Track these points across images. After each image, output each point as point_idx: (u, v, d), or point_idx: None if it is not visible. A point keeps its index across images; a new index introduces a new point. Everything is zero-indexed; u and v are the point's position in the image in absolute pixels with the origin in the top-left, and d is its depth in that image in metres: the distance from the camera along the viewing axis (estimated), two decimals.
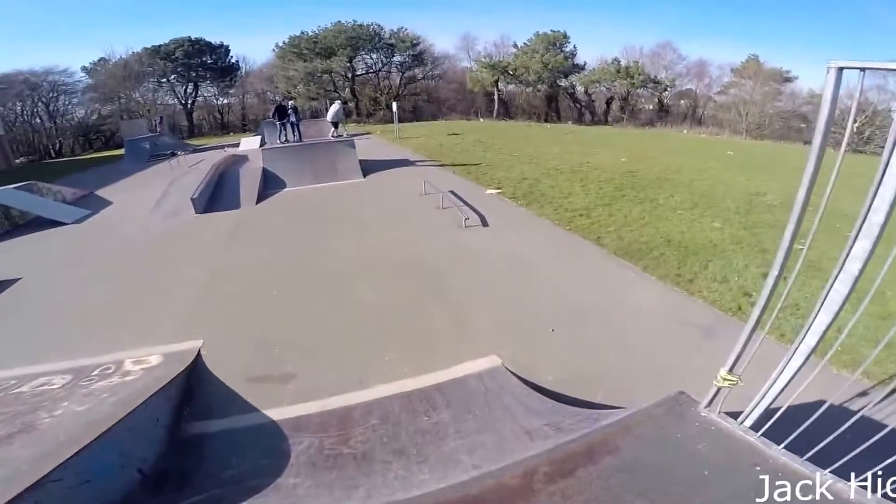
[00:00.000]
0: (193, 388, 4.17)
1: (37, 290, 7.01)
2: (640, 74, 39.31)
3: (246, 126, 38.00)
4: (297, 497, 2.88)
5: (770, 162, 16.52)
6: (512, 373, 4.11)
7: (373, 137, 22.52)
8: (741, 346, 2.13)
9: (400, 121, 24.01)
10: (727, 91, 38.97)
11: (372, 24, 40.00)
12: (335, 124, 15.07)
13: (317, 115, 27.34)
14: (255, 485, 3.04)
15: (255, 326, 5.31)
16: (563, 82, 42.00)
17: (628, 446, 2.10)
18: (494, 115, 40.17)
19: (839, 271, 1.70)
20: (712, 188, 10.98)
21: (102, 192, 13.70)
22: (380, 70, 41.98)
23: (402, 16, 58.58)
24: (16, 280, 7.34)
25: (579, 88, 42.76)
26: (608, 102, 41.78)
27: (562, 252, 7.13)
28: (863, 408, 1.72)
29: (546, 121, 38.74)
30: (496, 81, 41.09)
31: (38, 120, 33.45)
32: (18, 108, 32.08)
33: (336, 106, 15.67)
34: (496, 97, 41.63)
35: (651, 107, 41.30)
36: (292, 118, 14.78)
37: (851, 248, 1.64)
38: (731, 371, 2.13)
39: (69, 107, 35.05)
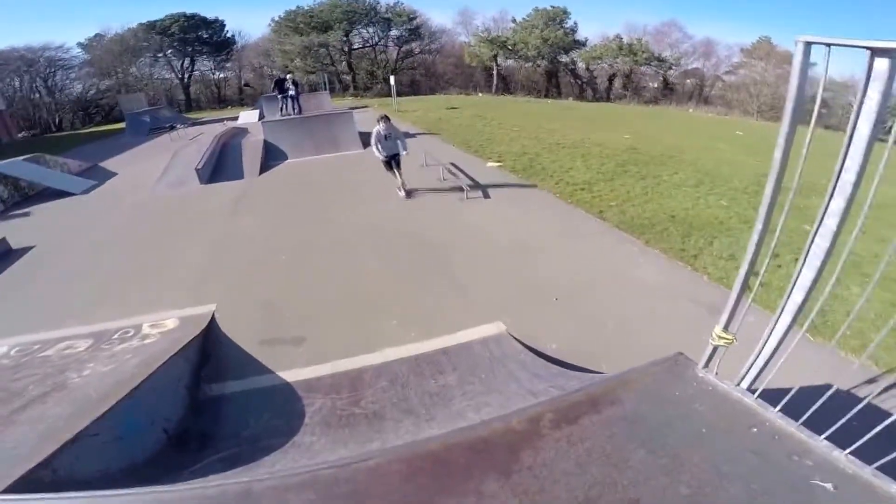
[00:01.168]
0: (209, 350, 4.28)
1: (50, 257, 7.12)
2: (643, 52, 38.71)
3: (243, 100, 37.71)
4: (314, 452, 3.00)
5: None
6: (516, 339, 4.19)
7: (370, 111, 22.24)
8: (733, 301, 2.11)
9: (397, 95, 23.71)
10: (736, 71, 38.37)
11: None
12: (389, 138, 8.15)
13: (315, 88, 27.02)
14: (272, 443, 3.15)
15: (265, 291, 5.41)
16: (564, 58, 41.47)
17: (629, 399, 2.14)
18: (493, 90, 39.72)
19: (818, 226, 1.79)
20: (719, 167, 10.89)
21: (106, 164, 13.76)
22: (376, 44, 41.73)
23: None
24: (30, 248, 7.47)
25: (580, 65, 42.23)
26: (610, 79, 41.26)
27: (563, 224, 7.15)
28: (848, 381, 1.77)
29: (546, 96, 38.29)
30: (495, 56, 40.59)
31: (37, 95, 33.21)
32: (17, 83, 31.76)
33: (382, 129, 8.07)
34: (495, 72, 41.10)
35: (655, 85, 40.80)
36: (291, 92, 14.67)
37: (828, 205, 1.74)
38: (725, 329, 2.14)
39: (67, 82, 34.99)
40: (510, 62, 42.42)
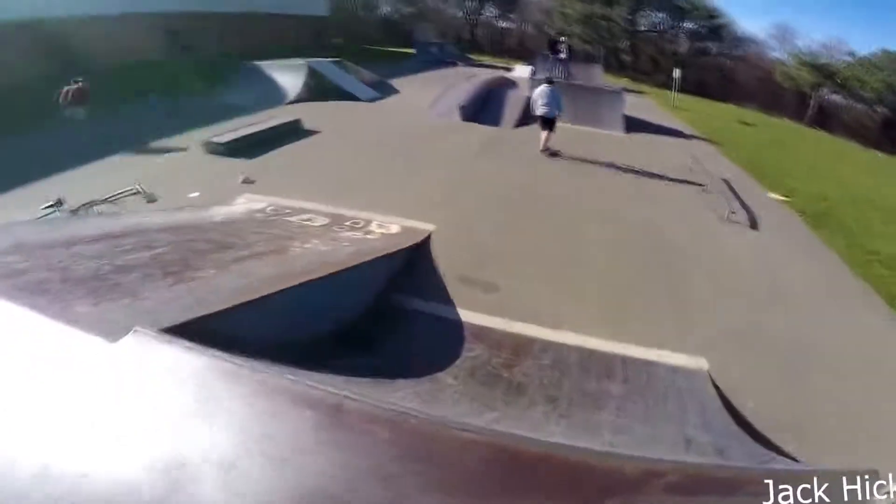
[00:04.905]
0: (414, 264, 4.91)
1: (329, 143, 9.26)
2: None
3: (522, 54, 39.64)
4: (444, 395, 3.23)
5: None
6: (713, 382, 3.82)
7: (644, 98, 21.27)
8: None
9: (680, 91, 22.00)
10: None
11: None
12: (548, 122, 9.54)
13: (592, 59, 26.69)
14: (421, 368, 3.46)
15: (482, 232, 5.92)
16: None
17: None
18: (806, 120, 33.90)
19: None
20: None
21: (392, 83, 16.26)
22: (665, 31, 39.67)
23: None
24: (317, 132, 9.75)
25: None
26: None
27: (837, 291, 6.00)
28: None
29: (877, 148, 30.70)
30: (817, 85, 34.45)
31: (351, 8, 40.67)
32: None
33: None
34: (812, 102, 34.98)
35: None
36: (563, 55, 14.84)
37: None
38: None
39: (378, 2, 41.82)
40: (837, 97, 35.47)
